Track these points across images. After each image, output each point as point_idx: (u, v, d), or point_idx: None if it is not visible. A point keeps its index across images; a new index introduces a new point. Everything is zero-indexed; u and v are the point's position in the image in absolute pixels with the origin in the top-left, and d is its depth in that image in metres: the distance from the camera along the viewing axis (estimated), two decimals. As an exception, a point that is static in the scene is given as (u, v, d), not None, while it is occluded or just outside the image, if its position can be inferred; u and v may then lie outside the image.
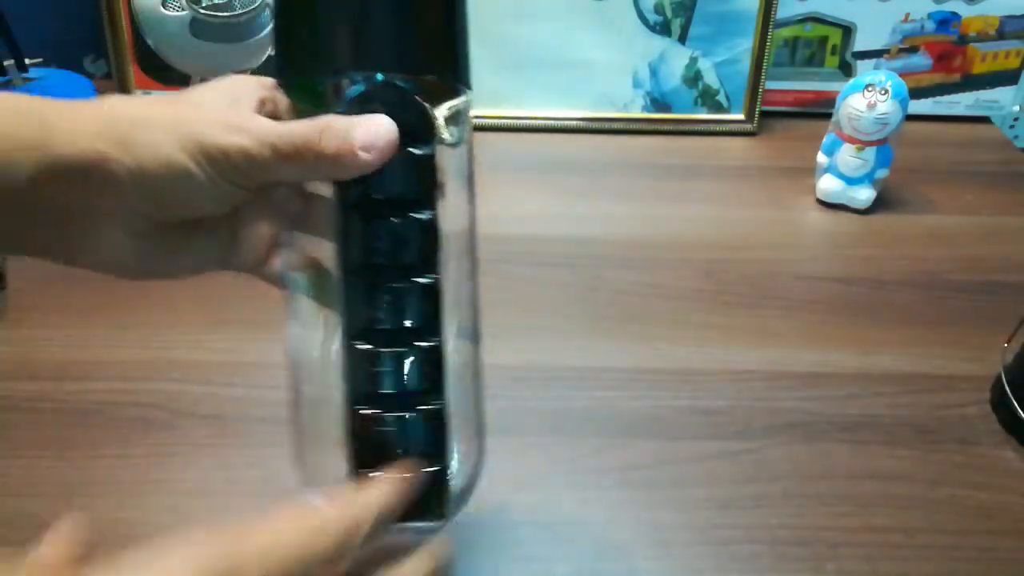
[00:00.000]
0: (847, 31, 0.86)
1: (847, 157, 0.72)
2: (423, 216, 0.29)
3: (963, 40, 0.86)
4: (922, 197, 0.76)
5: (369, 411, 0.28)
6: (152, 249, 0.30)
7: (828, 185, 0.73)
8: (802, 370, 0.56)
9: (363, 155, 0.27)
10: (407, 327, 0.29)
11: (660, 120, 0.86)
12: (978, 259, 0.68)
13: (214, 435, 0.49)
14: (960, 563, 0.44)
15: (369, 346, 0.29)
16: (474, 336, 0.32)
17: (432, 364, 0.29)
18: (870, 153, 0.71)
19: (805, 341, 0.59)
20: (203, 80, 0.66)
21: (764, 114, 0.86)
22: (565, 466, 0.49)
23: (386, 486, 0.28)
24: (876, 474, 0.49)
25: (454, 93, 0.31)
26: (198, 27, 0.58)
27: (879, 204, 0.73)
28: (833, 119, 0.72)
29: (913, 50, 0.87)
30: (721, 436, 0.51)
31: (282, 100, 0.32)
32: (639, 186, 0.77)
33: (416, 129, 0.28)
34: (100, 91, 0.84)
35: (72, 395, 0.52)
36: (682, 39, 0.83)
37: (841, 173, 0.73)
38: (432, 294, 0.29)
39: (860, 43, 0.86)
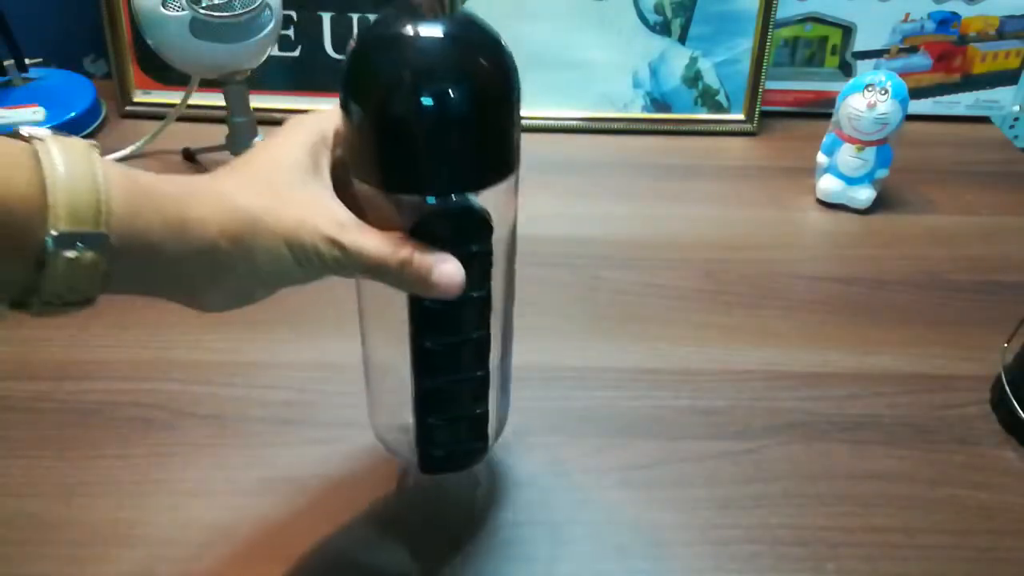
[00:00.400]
0: (847, 31, 0.86)
1: (847, 157, 0.72)
2: (479, 294, 0.36)
3: (963, 40, 0.86)
4: (922, 197, 0.76)
5: (436, 382, 0.38)
6: (246, 300, 0.35)
7: (828, 185, 0.73)
8: (802, 370, 0.56)
9: (435, 291, 0.34)
10: (464, 351, 0.38)
11: (660, 120, 0.86)
12: (978, 259, 0.68)
13: (214, 435, 0.49)
14: (960, 563, 0.44)
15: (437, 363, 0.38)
16: (506, 343, 0.42)
17: (481, 354, 0.38)
18: (870, 153, 0.71)
19: (805, 341, 0.59)
20: (203, 79, 0.66)
21: (764, 114, 0.86)
22: (565, 466, 0.49)
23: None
24: (876, 474, 0.49)
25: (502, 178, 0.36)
26: (198, 27, 0.58)
27: (879, 204, 0.73)
28: (833, 119, 0.72)
29: (913, 50, 0.87)
30: (721, 436, 0.51)
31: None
32: (639, 186, 0.77)
33: (478, 233, 0.34)
34: (100, 91, 0.84)
35: (72, 395, 0.52)
36: (682, 39, 0.83)
37: (841, 173, 0.73)
38: (485, 340, 0.38)
39: (860, 43, 0.86)
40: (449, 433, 0.40)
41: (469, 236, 0.34)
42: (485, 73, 0.33)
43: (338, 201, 0.34)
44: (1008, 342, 0.55)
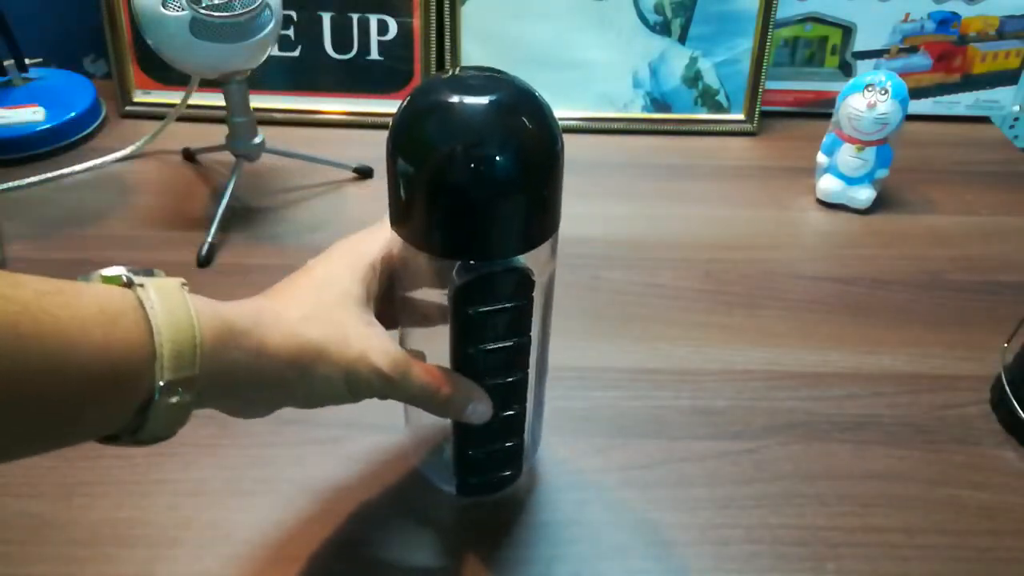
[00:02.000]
0: (847, 31, 0.86)
1: (847, 157, 0.72)
2: (519, 341, 0.38)
3: (963, 40, 0.86)
4: (922, 197, 0.76)
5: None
6: (277, 409, 0.37)
7: (828, 185, 0.73)
8: (802, 370, 0.56)
9: (465, 421, 0.39)
10: (504, 390, 0.40)
11: (660, 120, 0.86)
12: (978, 259, 0.68)
13: (214, 435, 0.49)
14: (960, 563, 0.44)
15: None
16: (541, 374, 0.44)
17: (519, 393, 0.41)
18: (870, 153, 0.71)
19: (805, 341, 0.59)
20: (203, 79, 0.66)
21: (764, 114, 0.86)
22: (565, 466, 0.49)
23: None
24: (876, 474, 0.49)
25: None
26: (198, 27, 0.58)
27: (879, 204, 0.73)
28: (833, 119, 0.72)
29: (913, 50, 0.87)
30: (721, 436, 0.51)
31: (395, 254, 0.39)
32: (639, 186, 0.77)
33: (521, 290, 0.36)
34: (100, 91, 0.84)
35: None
36: (682, 39, 0.83)
37: (841, 173, 0.73)
38: (523, 381, 0.40)
39: (860, 43, 0.86)
40: (486, 463, 0.43)
41: (513, 294, 0.36)
42: (537, 143, 0.34)
43: (387, 336, 0.37)
44: (1008, 342, 0.55)
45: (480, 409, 0.38)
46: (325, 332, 0.35)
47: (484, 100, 0.32)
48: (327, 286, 0.37)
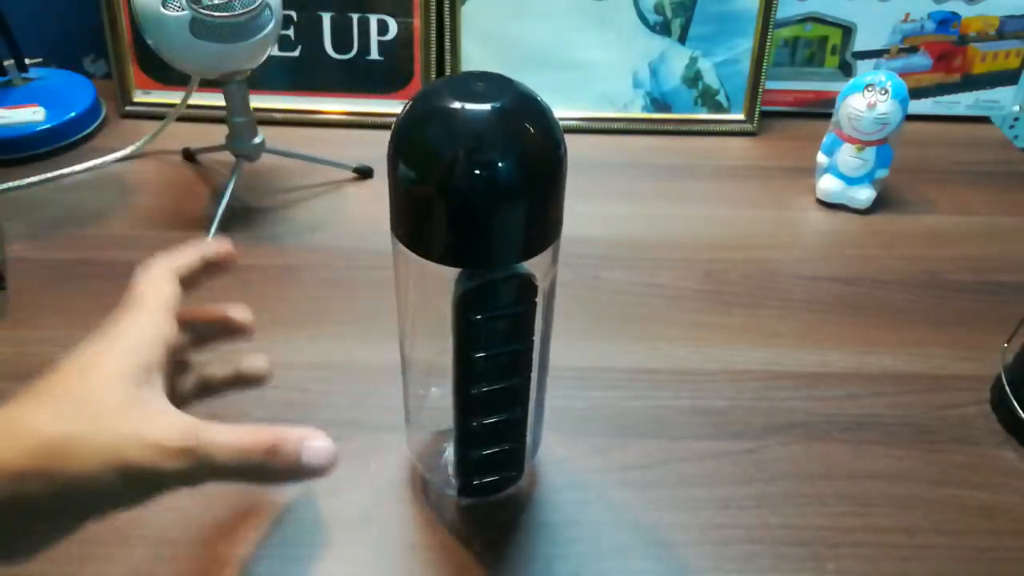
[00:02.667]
0: (847, 31, 0.86)
1: (847, 157, 0.72)
2: (521, 347, 0.38)
3: (963, 40, 0.86)
4: (922, 197, 0.76)
5: (478, 421, 0.40)
6: (59, 539, 0.30)
7: (828, 185, 0.73)
8: (802, 370, 0.56)
9: (307, 474, 0.30)
10: (506, 395, 0.39)
11: (660, 120, 0.86)
12: (978, 259, 0.68)
13: (214, 435, 0.49)
14: (960, 563, 0.44)
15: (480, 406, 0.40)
16: (542, 377, 0.43)
17: (521, 397, 0.40)
18: (870, 153, 0.71)
19: (805, 341, 0.59)
20: (203, 79, 0.66)
21: (764, 114, 0.86)
22: (565, 466, 0.49)
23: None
24: (876, 474, 0.49)
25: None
26: (198, 27, 0.58)
27: (879, 204, 0.73)
28: (833, 119, 0.72)
29: (913, 50, 0.87)
30: (721, 436, 0.51)
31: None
32: (639, 186, 0.77)
33: (524, 296, 0.35)
34: (100, 91, 0.84)
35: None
36: (682, 39, 0.83)
37: (841, 173, 0.73)
38: (524, 386, 0.40)
39: (860, 43, 0.86)
40: (487, 464, 0.42)
41: (516, 300, 0.35)
42: (540, 149, 0.33)
43: (174, 409, 0.30)
44: (1008, 342, 0.55)
45: (318, 447, 0.30)
46: (74, 421, 0.28)
47: (487, 106, 0.32)
48: (80, 370, 0.30)
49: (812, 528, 0.45)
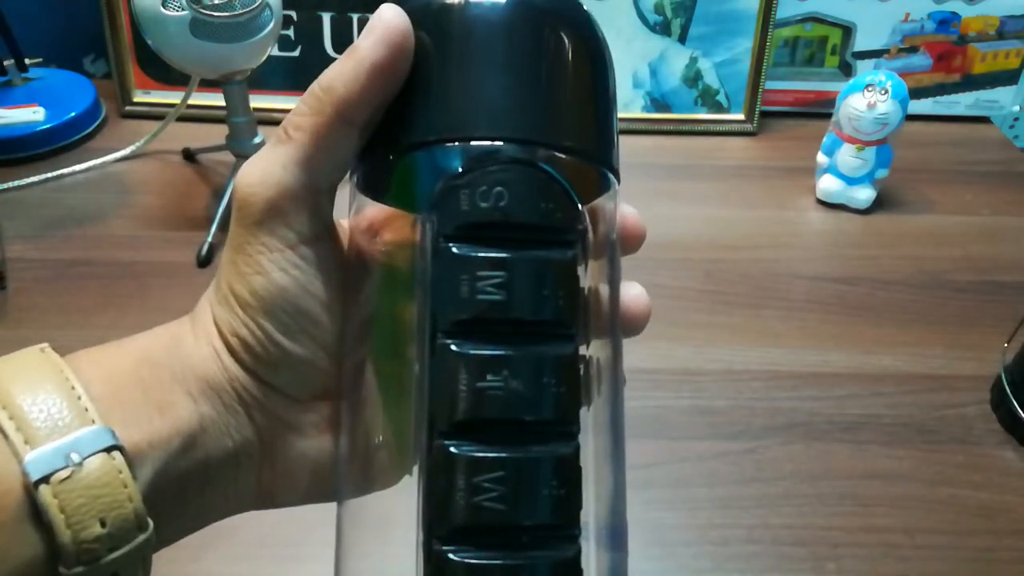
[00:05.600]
0: (847, 31, 0.86)
1: (847, 157, 0.72)
2: (564, 351, 0.21)
3: (963, 40, 0.86)
4: (922, 197, 0.76)
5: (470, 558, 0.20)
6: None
7: (828, 185, 0.73)
8: (802, 370, 0.56)
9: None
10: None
11: (660, 120, 0.86)
12: (978, 259, 0.68)
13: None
14: (960, 563, 0.44)
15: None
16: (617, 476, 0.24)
17: (567, 477, 0.21)
18: (870, 153, 0.71)
19: (805, 341, 0.59)
20: (203, 79, 0.66)
21: (764, 114, 0.86)
22: (565, 466, 0.49)
23: None
24: (876, 474, 0.49)
25: (598, 186, 0.24)
26: (198, 27, 0.58)
27: (879, 204, 0.73)
28: (833, 119, 0.72)
29: (913, 50, 0.87)
30: (721, 436, 0.51)
31: None
32: (639, 186, 0.77)
33: (555, 223, 0.21)
34: (100, 91, 0.84)
35: (72, 395, 0.52)
36: (682, 39, 0.83)
37: (841, 173, 0.73)
38: (571, 459, 0.21)
39: (860, 43, 0.86)
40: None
41: (540, 223, 0.21)
42: (591, 22, 0.23)
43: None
44: (1008, 342, 0.55)
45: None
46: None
47: None
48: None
49: (812, 528, 0.45)
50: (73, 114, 0.79)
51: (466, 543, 0.20)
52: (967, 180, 0.79)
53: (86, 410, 0.21)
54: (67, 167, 0.75)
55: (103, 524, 0.20)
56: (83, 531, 0.20)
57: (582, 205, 0.22)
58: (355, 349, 0.24)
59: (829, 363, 0.57)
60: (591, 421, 0.23)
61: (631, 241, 0.27)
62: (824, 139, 0.73)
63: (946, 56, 0.87)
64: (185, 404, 0.23)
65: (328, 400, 0.25)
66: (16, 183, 0.72)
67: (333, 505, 0.47)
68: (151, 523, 0.22)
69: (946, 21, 0.85)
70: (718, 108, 0.86)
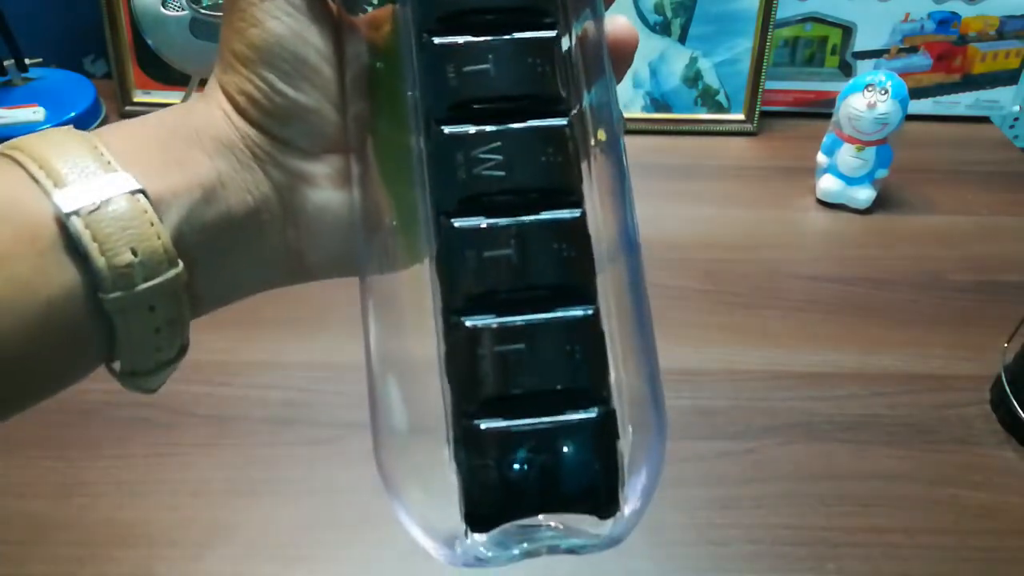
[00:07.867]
0: (847, 31, 0.86)
1: (847, 157, 0.72)
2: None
3: (963, 40, 0.86)
4: (922, 197, 0.76)
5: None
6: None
7: (828, 185, 0.73)
8: (802, 370, 0.56)
9: None
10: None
11: (660, 120, 0.86)
12: (978, 259, 0.68)
13: (213, 435, 0.49)
14: (960, 563, 0.44)
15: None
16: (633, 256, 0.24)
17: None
18: (870, 153, 0.71)
19: (805, 341, 0.59)
20: (203, 79, 0.66)
21: (764, 114, 0.86)
22: (565, 466, 0.49)
23: None
24: (876, 474, 0.49)
25: None
26: (198, 27, 0.58)
27: (879, 204, 0.73)
28: (833, 119, 0.72)
29: (913, 50, 0.87)
30: (721, 436, 0.51)
31: None
32: (639, 186, 0.77)
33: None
34: (100, 91, 0.84)
35: (72, 395, 0.51)
36: (682, 39, 0.83)
37: (841, 173, 0.73)
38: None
39: (860, 43, 0.86)
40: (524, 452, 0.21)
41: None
42: None
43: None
44: (1008, 342, 0.55)
45: None
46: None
47: None
48: None
49: (812, 528, 0.45)
50: (73, 114, 0.79)
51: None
52: (967, 180, 0.79)
53: (109, 163, 0.22)
54: (67, 167, 0.75)
55: (134, 253, 0.22)
56: (115, 257, 0.22)
57: None
58: (355, 103, 0.25)
59: (829, 363, 0.57)
60: (594, 165, 0.24)
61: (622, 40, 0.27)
62: (824, 139, 0.73)
63: (946, 56, 0.87)
64: (202, 160, 0.24)
65: (340, 153, 0.26)
66: (16, 183, 0.72)
67: (330, 501, 0.47)
68: (181, 263, 0.23)
69: (946, 21, 0.85)
70: (718, 108, 0.86)
